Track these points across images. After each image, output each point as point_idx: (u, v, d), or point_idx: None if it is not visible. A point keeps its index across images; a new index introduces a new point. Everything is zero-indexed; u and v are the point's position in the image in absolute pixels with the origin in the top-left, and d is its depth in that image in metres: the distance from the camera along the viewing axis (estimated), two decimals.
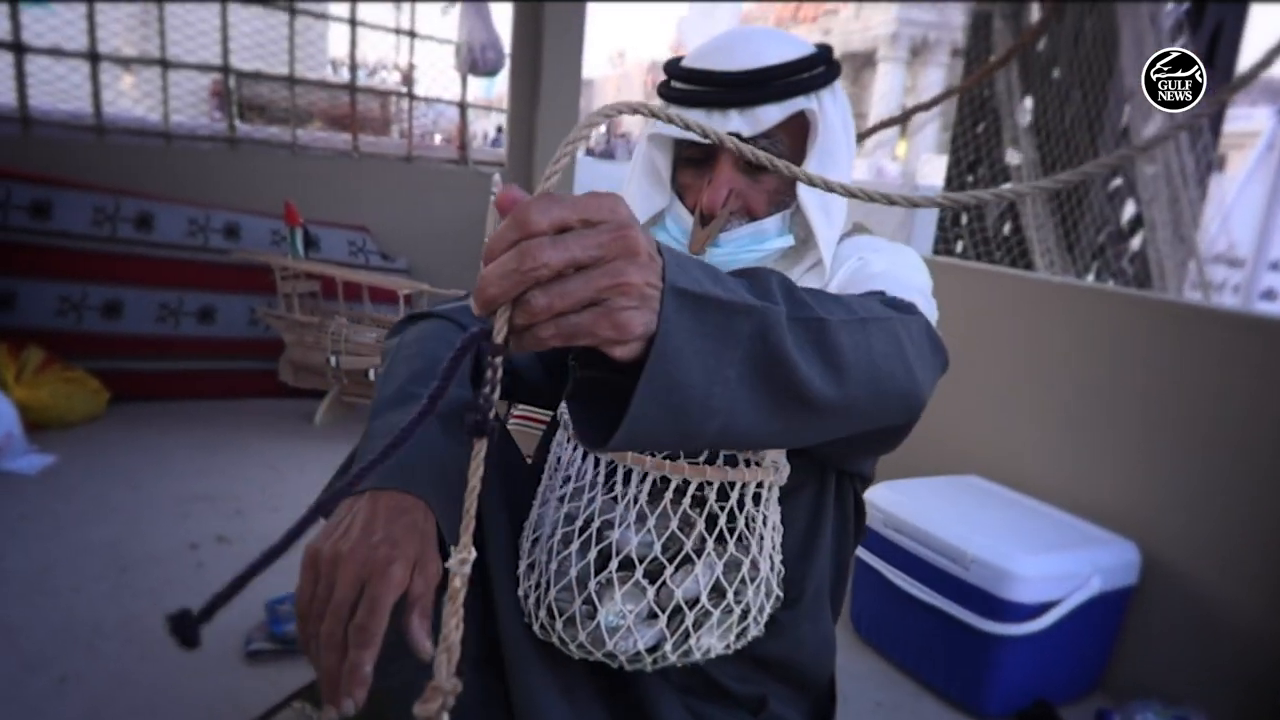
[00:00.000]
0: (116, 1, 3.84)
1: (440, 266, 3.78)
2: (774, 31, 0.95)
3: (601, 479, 0.79)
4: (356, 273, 3.24)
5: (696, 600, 0.77)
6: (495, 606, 0.82)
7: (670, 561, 0.77)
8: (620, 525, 0.76)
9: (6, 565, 1.98)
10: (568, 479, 0.82)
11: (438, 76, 4.26)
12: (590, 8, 4.23)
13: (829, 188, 0.66)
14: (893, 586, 1.89)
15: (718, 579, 0.77)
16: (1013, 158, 4.30)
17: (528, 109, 4.23)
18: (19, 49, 3.17)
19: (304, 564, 0.65)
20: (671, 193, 0.95)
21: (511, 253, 0.45)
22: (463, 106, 4.22)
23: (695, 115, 0.89)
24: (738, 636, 0.80)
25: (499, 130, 7.16)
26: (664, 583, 0.76)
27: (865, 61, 26.65)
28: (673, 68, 0.93)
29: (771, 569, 0.83)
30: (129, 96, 4.89)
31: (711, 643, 0.78)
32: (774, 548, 0.84)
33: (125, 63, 3.70)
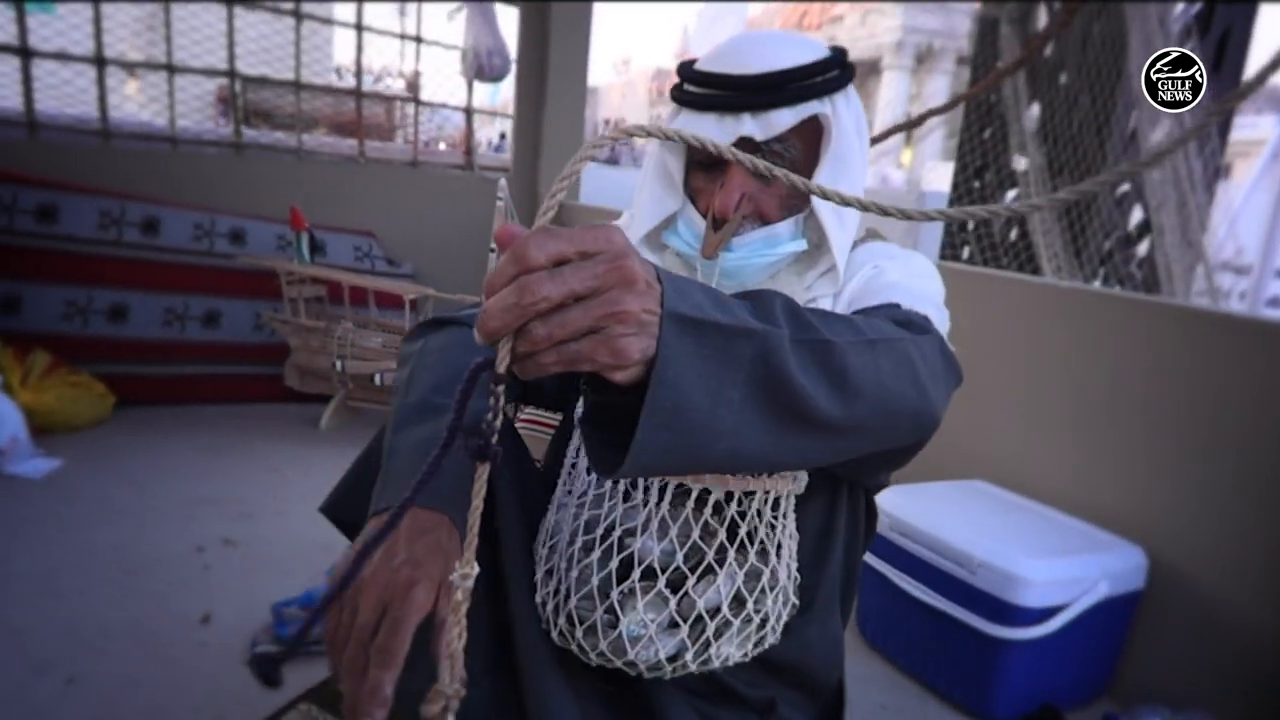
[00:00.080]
0: (123, 2, 3.84)
1: (445, 271, 3.79)
2: (788, 35, 0.94)
3: (621, 487, 0.79)
4: (362, 278, 3.24)
5: (718, 610, 0.76)
6: (510, 612, 0.82)
7: (692, 571, 0.76)
8: (642, 534, 0.76)
9: (13, 568, 1.98)
10: (586, 486, 0.81)
11: (443, 82, 4.27)
12: (596, 12, 4.25)
13: (845, 202, 0.66)
14: (899, 590, 1.89)
15: (739, 588, 0.77)
16: (1020, 163, 4.30)
17: (533, 114, 4.24)
18: (25, 53, 3.17)
19: (328, 594, 0.65)
20: (684, 196, 0.95)
21: (511, 287, 0.47)
22: (468, 112, 4.23)
23: (708, 119, 0.89)
24: (755, 645, 0.80)
25: (502, 136, 7.17)
26: (686, 593, 0.76)
27: (870, 69, 26.70)
28: (686, 71, 0.93)
29: (789, 577, 0.83)
30: (135, 101, 4.91)
31: (730, 651, 0.78)
32: (791, 556, 0.83)
33: (131, 67, 3.70)
